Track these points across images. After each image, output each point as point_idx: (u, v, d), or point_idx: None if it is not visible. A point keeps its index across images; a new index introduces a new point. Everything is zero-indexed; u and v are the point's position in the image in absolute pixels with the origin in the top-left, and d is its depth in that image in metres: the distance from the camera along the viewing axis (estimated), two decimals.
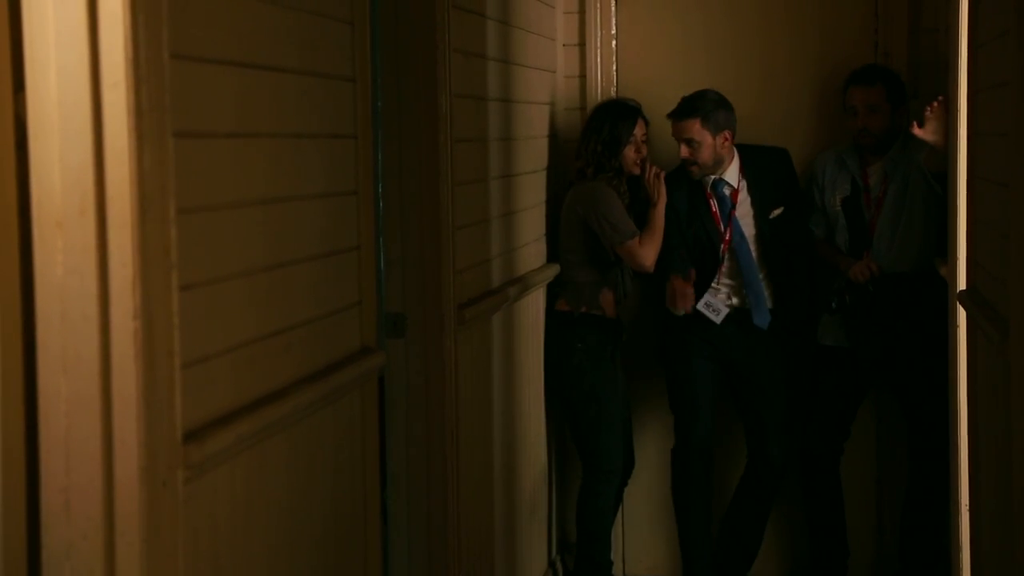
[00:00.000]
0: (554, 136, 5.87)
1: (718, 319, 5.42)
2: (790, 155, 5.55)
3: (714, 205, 5.47)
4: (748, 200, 5.47)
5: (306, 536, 2.92)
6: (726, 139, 5.40)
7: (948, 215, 4.71)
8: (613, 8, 6.01)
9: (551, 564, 5.77)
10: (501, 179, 4.92)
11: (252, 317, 2.64)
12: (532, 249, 5.41)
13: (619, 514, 6.04)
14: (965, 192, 4.41)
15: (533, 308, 5.37)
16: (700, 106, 5.36)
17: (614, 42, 6.03)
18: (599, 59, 6.01)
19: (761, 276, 5.45)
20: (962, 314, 4.48)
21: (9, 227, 2.15)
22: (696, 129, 5.36)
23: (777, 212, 5.45)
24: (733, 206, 5.45)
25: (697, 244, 5.48)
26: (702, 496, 5.58)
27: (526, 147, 5.32)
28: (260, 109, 2.71)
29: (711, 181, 5.46)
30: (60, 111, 2.13)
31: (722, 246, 5.42)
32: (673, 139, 5.46)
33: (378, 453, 3.41)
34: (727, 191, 5.47)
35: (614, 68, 6.04)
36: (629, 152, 5.39)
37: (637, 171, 5.40)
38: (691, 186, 5.48)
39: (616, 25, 6.03)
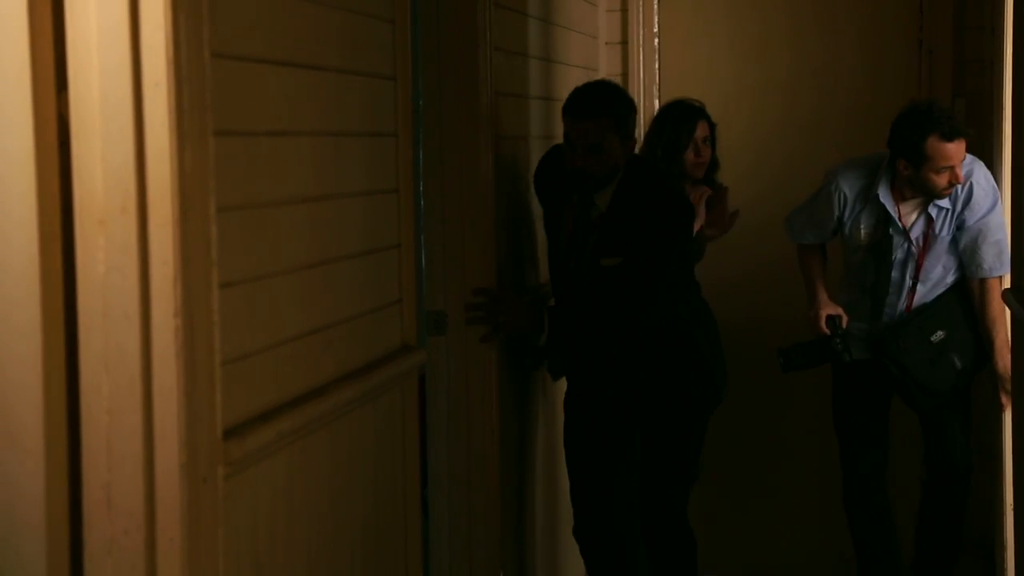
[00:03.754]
0: None
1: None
2: (680, 206, 4.36)
3: (569, 220, 4.40)
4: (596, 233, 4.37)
5: (347, 532, 2.92)
6: (631, 148, 4.41)
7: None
8: (655, 6, 6.01)
9: None
10: None
11: (293, 314, 2.66)
12: None
13: None
14: (1011, 191, 4.38)
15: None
16: (613, 103, 4.29)
17: (656, 40, 6.03)
18: (641, 57, 6.01)
19: None
20: (1007, 312, 4.46)
21: (52, 225, 2.16)
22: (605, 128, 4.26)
23: (612, 261, 4.32)
24: (591, 233, 4.38)
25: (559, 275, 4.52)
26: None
27: None
28: (301, 107, 2.72)
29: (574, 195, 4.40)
30: (102, 110, 2.15)
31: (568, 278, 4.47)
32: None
33: (418, 451, 3.41)
34: (595, 213, 4.37)
35: (656, 66, 6.03)
36: (689, 155, 5.08)
37: (699, 174, 5.11)
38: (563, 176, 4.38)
39: (658, 23, 6.03)
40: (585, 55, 5.71)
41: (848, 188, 5.05)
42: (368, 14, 3.13)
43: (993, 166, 4.96)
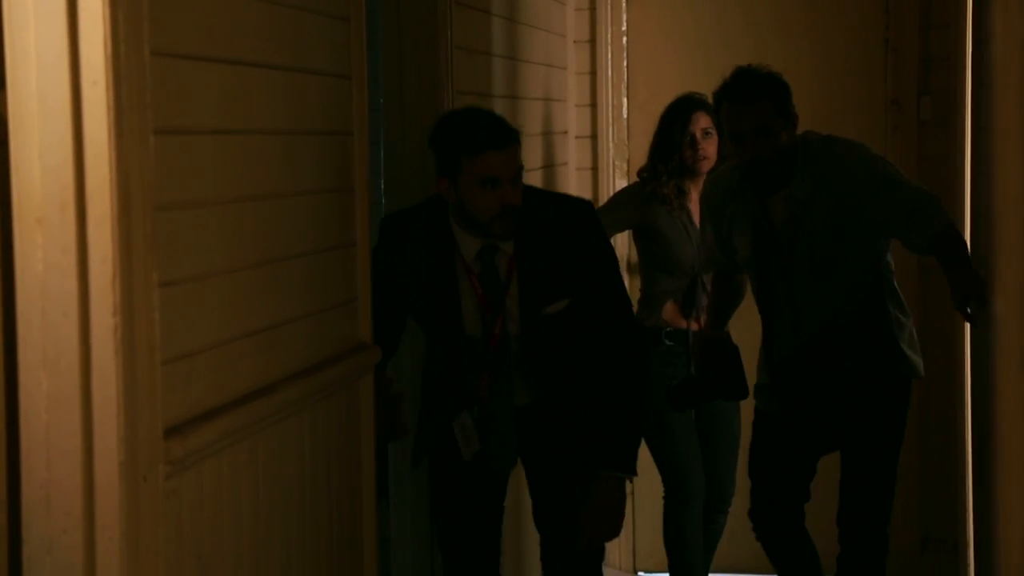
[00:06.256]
0: (564, 132, 5.88)
1: (467, 453, 3.75)
2: (592, 211, 3.81)
3: (476, 284, 3.69)
4: (516, 282, 3.68)
5: (298, 531, 2.92)
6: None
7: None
8: (624, 5, 6.03)
9: None
10: None
11: (240, 313, 2.65)
12: None
13: (632, 513, 6.04)
14: (969, 187, 4.40)
15: None
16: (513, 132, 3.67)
17: (624, 38, 6.04)
18: (609, 56, 6.02)
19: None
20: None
21: None
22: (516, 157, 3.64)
23: (557, 306, 3.67)
24: (507, 287, 3.69)
25: (442, 330, 3.77)
26: None
27: (534, 143, 5.32)
28: (249, 106, 2.71)
29: (476, 247, 3.68)
30: (40, 108, 2.14)
31: (490, 342, 3.71)
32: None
33: (374, 448, 3.41)
34: (502, 261, 3.68)
35: (624, 64, 6.04)
36: (686, 151, 4.93)
37: (705, 169, 4.90)
38: (436, 241, 3.72)
39: (627, 21, 6.04)
40: (553, 53, 5.71)
41: (715, 188, 4.43)
42: (321, 12, 3.12)
43: (958, 163, 4.97)
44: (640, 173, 5.15)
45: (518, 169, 3.59)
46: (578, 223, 3.69)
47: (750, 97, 4.11)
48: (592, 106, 6.04)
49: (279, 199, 2.86)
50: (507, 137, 3.58)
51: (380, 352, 3.45)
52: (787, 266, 4.18)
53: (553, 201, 3.81)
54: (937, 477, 5.57)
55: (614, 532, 3.71)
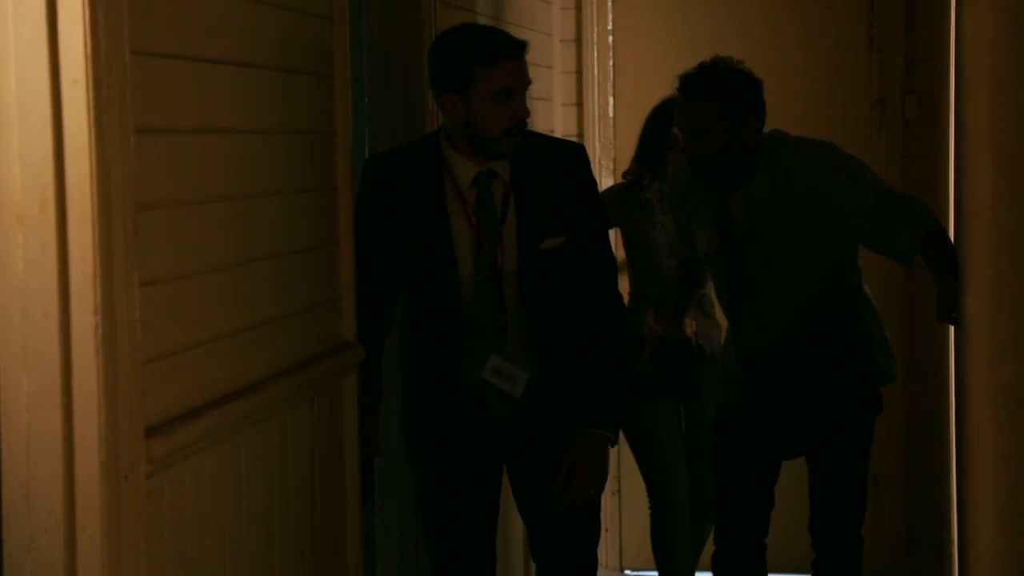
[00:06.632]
0: (551, 132, 5.88)
1: (517, 390, 3.53)
2: (587, 155, 3.70)
3: (470, 214, 3.52)
4: (514, 213, 3.53)
5: (280, 531, 2.92)
6: None
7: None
8: (610, 4, 6.03)
9: None
10: None
11: (222, 312, 2.65)
12: None
13: (619, 512, 6.06)
14: (952, 188, 4.40)
15: None
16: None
17: (610, 37, 6.05)
18: (595, 55, 6.03)
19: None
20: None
21: None
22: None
23: (554, 242, 3.53)
24: (503, 219, 3.54)
25: (433, 274, 3.54)
26: None
27: None
28: (230, 105, 2.72)
29: (473, 172, 3.52)
30: (20, 107, 2.15)
31: (496, 275, 3.51)
32: None
33: (359, 447, 3.41)
34: (498, 189, 3.56)
35: (610, 64, 6.05)
36: (669, 155, 4.81)
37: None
38: (425, 175, 3.54)
39: (612, 21, 6.05)
40: (539, 52, 5.71)
41: (676, 181, 4.30)
42: (304, 11, 3.12)
43: (942, 162, 4.98)
44: (625, 176, 5.13)
45: (528, 82, 3.53)
46: (574, 163, 3.61)
47: (696, 95, 4.00)
48: (578, 105, 6.05)
49: (261, 198, 2.86)
50: (522, 47, 3.51)
51: (364, 351, 3.44)
52: (745, 264, 4.08)
53: (548, 140, 3.78)
54: (922, 476, 5.58)
55: (596, 488, 3.55)
